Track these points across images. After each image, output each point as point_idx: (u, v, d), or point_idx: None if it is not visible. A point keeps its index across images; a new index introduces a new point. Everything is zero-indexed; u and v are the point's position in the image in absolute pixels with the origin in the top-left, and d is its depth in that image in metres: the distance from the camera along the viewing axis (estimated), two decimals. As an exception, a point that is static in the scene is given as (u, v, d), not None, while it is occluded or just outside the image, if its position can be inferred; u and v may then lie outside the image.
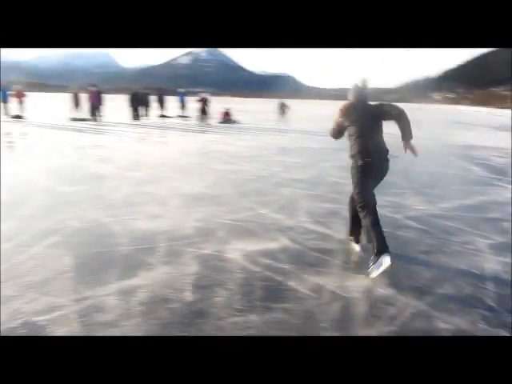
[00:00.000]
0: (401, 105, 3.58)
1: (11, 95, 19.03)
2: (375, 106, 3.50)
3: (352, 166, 3.53)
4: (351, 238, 3.89)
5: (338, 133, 3.68)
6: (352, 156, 3.50)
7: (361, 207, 3.41)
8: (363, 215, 3.39)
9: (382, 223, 3.36)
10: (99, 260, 3.38)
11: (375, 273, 3.17)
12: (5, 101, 18.50)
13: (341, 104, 3.58)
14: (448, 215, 5.00)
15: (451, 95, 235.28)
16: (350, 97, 3.57)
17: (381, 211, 4.92)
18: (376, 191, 3.51)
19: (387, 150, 3.50)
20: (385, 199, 5.45)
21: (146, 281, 3.03)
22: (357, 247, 3.81)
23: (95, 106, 18.74)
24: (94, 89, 18.85)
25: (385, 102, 3.54)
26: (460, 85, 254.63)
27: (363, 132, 3.40)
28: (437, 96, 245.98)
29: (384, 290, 3.04)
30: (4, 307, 2.63)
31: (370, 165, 3.38)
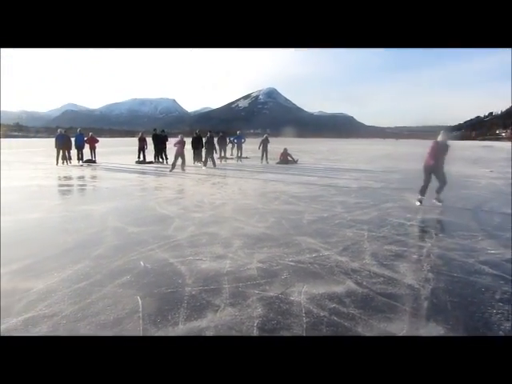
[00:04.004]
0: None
1: (85, 141, 20.61)
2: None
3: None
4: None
5: None
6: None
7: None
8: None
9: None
10: (167, 300, 3.48)
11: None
12: (80, 146, 20.02)
13: None
14: (525, 260, 4.64)
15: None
16: None
17: (450, 254, 4.71)
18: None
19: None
20: (454, 241, 5.25)
21: (213, 322, 3.06)
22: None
23: (160, 150, 19.80)
24: (160, 133, 19.97)
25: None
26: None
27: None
28: (504, 133, 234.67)
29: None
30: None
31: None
